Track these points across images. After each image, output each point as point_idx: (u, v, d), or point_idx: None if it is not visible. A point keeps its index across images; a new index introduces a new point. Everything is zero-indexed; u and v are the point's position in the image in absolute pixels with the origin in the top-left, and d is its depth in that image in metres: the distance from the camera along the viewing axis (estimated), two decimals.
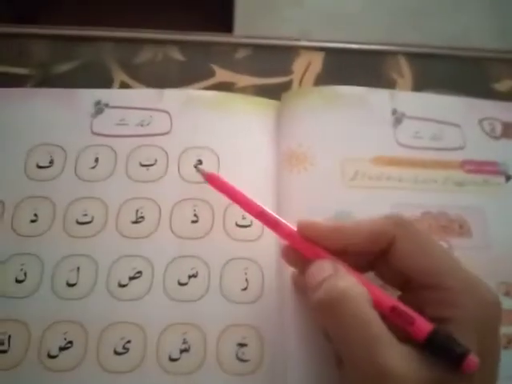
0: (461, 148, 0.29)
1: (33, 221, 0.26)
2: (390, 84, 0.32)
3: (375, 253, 0.21)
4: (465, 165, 0.29)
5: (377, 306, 0.19)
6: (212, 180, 0.25)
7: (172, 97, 0.29)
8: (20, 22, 0.70)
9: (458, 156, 0.29)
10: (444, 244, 0.26)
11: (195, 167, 0.27)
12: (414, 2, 1.18)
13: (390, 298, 0.19)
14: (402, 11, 1.17)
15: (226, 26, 0.71)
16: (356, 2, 1.17)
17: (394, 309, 0.19)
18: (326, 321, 0.19)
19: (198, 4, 0.70)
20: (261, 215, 0.23)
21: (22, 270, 0.25)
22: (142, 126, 0.28)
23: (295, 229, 0.22)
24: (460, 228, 0.27)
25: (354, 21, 1.14)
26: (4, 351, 0.23)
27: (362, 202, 0.26)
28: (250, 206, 0.23)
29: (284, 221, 0.22)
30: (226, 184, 0.25)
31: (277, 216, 0.23)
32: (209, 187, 0.26)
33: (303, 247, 0.21)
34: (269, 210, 0.23)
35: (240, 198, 0.24)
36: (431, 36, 1.09)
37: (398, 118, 0.29)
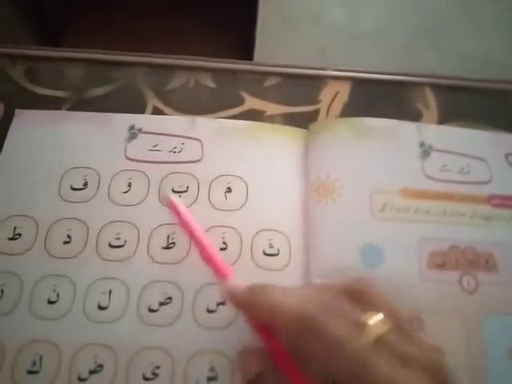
0: (488, 182, 0.29)
1: (66, 242, 0.26)
2: (415, 115, 0.32)
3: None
4: (492, 199, 0.29)
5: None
6: (170, 205, 0.26)
7: (204, 125, 0.30)
8: (50, 40, 0.72)
9: (484, 190, 0.29)
10: (471, 278, 0.26)
11: (162, 195, 0.27)
12: (433, 20, 1.19)
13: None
14: (422, 29, 1.17)
15: (247, 45, 0.72)
16: (376, 21, 1.18)
17: None
18: None
19: (218, 23, 0.71)
20: (203, 253, 0.24)
21: (54, 291, 0.25)
22: (174, 152, 0.29)
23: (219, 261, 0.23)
24: (486, 263, 0.27)
25: (371, 38, 1.15)
26: (36, 372, 0.23)
27: (390, 235, 0.26)
28: (197, 243, 0.24)
29: (222, 264, 0.23)
30: (179, 212, 0.25)
31: (216, 258, 0.23)
32: (237, 215, 0.26)
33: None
34: (212, 251, 0.24)
35: (192, 237, 0.25)
36: (451, 55, 1.10)
37: (425, 151, 0.29)
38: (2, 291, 0.25)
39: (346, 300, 0.20)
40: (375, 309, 0.19)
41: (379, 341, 0.18)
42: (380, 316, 0.19)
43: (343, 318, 0.19)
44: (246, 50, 0.70)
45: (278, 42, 1.01)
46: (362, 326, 0.18)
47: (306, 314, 0.19)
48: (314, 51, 1.09)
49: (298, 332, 0.19)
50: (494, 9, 1.23)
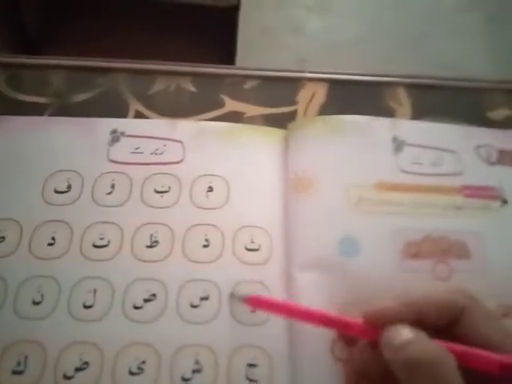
0: (460, 174, 0.30)
1: (50, 244, 0.27)
2: (389, 113, 0.34)
3: (440, 325, 0.21)
4: (464, 190, 0.30)
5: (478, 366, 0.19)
6: (253, 303, 0.24)
7: (185, 127, 0.31)
8: (29, 49, 0.73)
9: (457, 181, 0.30)
10: (444, 266, 0.27)
11: (231, 296, 0.25)
12: (412, 29, 1.22)
13: (494, 356, 0.19)
14: (401, 38, 1.21)
15: (227, 54, 0.73)
16: (356, 30, 1.21)
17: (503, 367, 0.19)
18: (411, 379, 0.19)
19: (198, 33, 0.73)
20: (326, 322, 0.22)
21: (39, 291, 0.25)
22: (156, 154, 0.30)
23: (361, 321, 0.22)
24: (459, 251, 0.28)
25: (351, 47, 1.17)
26: (20, 372, 0.23)
27: (366, 227, 0.27)
28: (310, 316, 0.23)
29: (350, 319, 0.22)
30: (273, 302, 0.24)
31: (342, 317, 0.22)
32: (218, 213, 0.27)
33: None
34: (330, 313, 0.22)
35: (295, 312, 0.23)
36: (429, 63, 1.13)
37: (398, 146, 0.31)
38: None
39: None
40: None
41: None
42: None
43: None
44: (226, 62, 0.72)
45: (258, 53, 1.03)
46: None
47: (462, 290, 0.21)
48: (294, 61, 1.11)
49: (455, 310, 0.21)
50: (471, 19, 1.27)
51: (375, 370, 0.22)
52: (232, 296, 0.25)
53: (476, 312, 0.21)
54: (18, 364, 0.24)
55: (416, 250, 0.27)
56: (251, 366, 0.24)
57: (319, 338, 0.24)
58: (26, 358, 0.24)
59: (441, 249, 0.28)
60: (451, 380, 0.18)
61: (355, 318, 0.22)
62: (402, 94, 0.35)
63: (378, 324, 0.21)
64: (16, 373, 0.23)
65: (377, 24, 1.24)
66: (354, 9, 1.27)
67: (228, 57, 0.72)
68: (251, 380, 0.24)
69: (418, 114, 0.34)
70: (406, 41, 1.20)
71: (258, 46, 1.09)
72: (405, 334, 0.20)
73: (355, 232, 0.27)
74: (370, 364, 0.22)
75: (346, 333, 0.23)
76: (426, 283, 0.26)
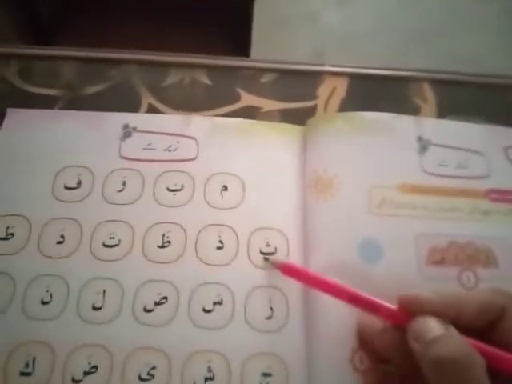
0: (486, 176, 0.29)
1: (59, 242, 0.26)
2: (414, 109, 0.32)
3: (477, 327, 0.20)
4: (490, 193, 0.28)
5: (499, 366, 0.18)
6: (287, 270, 0.24)
7: (199, 123, 0.30)
8: (41, 39, 0.72)
9: (483, 185, 0.28)
10: (471, 274, 0.26)
11: (265, 259, 0.25)
12: (429, 22, 1.19)
13: None
14: (418, 31, 1.17)
15: (242, 44, 0.71)
16: (373, 22, 1.18)
17: None
18: (439, 377, 0.18)
19: (212, 23, 0.71)
20: (354, 299, 0.22)
21: (47, 291, 0.25)
22: (169, 151, 0.29)
23: (393, 307, 0.21)
24: (486, 258, 0.26)
25: (367, 39, 1.15)
26: (28, 373, 0.23)
27: (388, 231, 0.26)
28: (340, 292, 0.22)
29: (380, 301, 0.21)
30: (305, 273, 0.24)
31: (371, 297, 0.22)
32: (233, 214, 0.26)
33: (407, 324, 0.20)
34: (360, 292, 0.22)
35: (325, 285, 0.23)
36: (443, 56, 1.10)
37: (423, 146, 0.29)
38: None
39: None
40: None
41: None
42: None
43: None
44: (241, 53, 0.70)
45: (273, 45, 1.01)
46: None
47: (505, 291, 0.20)
48: (310, 52, 1.09)
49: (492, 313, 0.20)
50: (490, 11, 1.23)
51: (394, 355, 0.21)
52: (266, 260, 0.25)
53: None
54: (27, 365, 0.23)
55: (441, 256, 0.26)
56: (266, 375, 0.23)
57: (338, 347, 0.23)
58: (34, 359, 0.23)
59: (467, 255, 0.26)
60: (479, 383, 0.18)
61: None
62: (427, 89, 0.33)
63: (410, 311, 0.20)
64: (24, 374, 0.23)
65: (394, 16, 1.20)
66: (372, 0, 1.24)
67: (242, 49, 0.70)
68: None
69: (444, 111, 0.32)
70: (422, 34, 1.17)
71: (274, 38, 1.07)
72: (436, 328, 0.19)
73: (377, 236, 0.26)
74: (389, 348, 0.21)
75: (372, 313, 0.22)
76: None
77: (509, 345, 0.19)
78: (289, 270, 0.24)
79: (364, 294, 0.22)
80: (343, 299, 0.22)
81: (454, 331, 0.19)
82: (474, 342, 0.19)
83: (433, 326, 0.19)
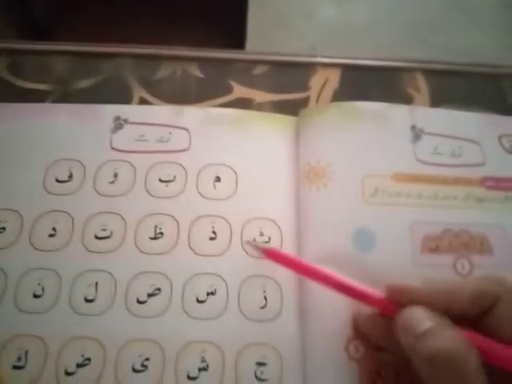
0: (481, 164, 0.29)
1: (51, 235, 0.26)
2: (407, 100, 0.32)
3: (469, 315, 0.20)
4: (485, 181, 0.28)
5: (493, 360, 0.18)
6: (272, 256, 0.24)
7: (191, 114, 0.29)
8: (38, 37, 0.72)
9: (478, 172, 0.28)
10: (465, 261, 0.26)
11: (250, 243, 0.25)
12: (426, 15, 1.19)
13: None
14: (414, 24, 1.18)
15: (238, 40, 0.71)
16: (368, 16, 1.18)
17: None
18: (432, 372, 0.18)
19: (208, 19, 0.71)
20: (341, 287, 0.22)
21: (39, 284, 0.25)
22: (161, 142, 0.28)
23: (381, 295, 0.21)
24: (481, 245, 0.26)
25: (363, 34, 1.15)
26: (21, 367, 0.23)
27: (382, 219, 0.26)
28: (327, 279, 0.22)
29: (369, 289, 0.21)
30: (291, 259, 0.24)
31: (359, 285, 0.22)
32: (226, 204, 0.25)
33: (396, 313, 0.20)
34: (348, 279, 0.22)
35: (314, 272, 0.23)
36: (440, 50, 1.10)
37: (417, 134, 0.29)
38: None
39: None
40: None
41: None
42: None
43: None
44: (236, 48, 0.70)
45: (269, 39, 1.01)
46: None
47: (500, 279, 0.20)
48: (305, 47, 1.09)
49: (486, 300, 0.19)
50: (486, 4, 1.23)
51: (386, 343, 0.21)
52: (249, 243, 0.25)
53: (510, 303, 0.19)
54: (19, 359, 0.23)
55: (435, 244, 0.26)
56: (260, 364, 0.23)
57: (333, 335, 0.23)
58: (26, 352, 0.23)
59: (461, 243, 0.26)
60: (474, 378, 0.17)
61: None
62: (420, 79, 0.33)
63: (399, 302, 0.20)
64: (16, 368, 0.23)
65: (390, 10, 1.20)
66: None
67: (238, 42, 0.70)
68: (260, 379, 0.22)
69: (437, 101, 0.32)
70: (419, 27, 1.17)
71: (269, 32, 1.07)
72: (426, 320, 0.19)
73: (371, 225, 0.26)
74: (381, 336, 0.21)
75: (360, 301, 0.21)
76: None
77: (502, 332, 0.19)
78: (274, 256, 0.24)
79: (352, 281, 0.22)
80: (329, 286, 0.22)
81: (446, 322, 0.19)
82: (467, 333, 0.19)
83: (422, 318, 0.19)
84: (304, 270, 0.23)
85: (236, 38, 0.69)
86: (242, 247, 0.26)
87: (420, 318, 0.19)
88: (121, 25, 0.69)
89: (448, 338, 0.18)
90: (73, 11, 0.75)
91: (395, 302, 0.20)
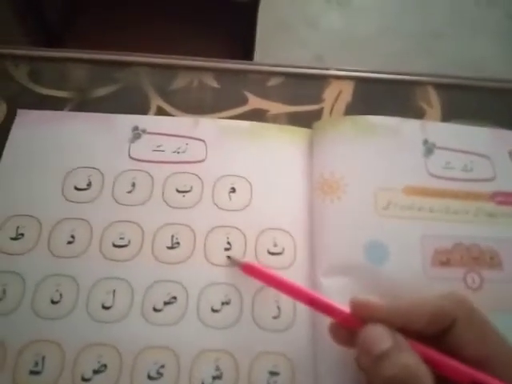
0: (491, 179, 0.29)
1: (69, 242, 0.26)
2: (419, 113, 0.32)
3: (428, 334, 0.20)
4: (496, 196, 0.29)
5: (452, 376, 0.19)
6: (248, 270, 0.25)
7: (207, 125, 0.30)
8: (51, 44, 0.72)
9: (488, 187, 0.29)
10: (476, 276, 0.26)
11: (228, 257, 0.26)
12: (431, 26, 1.20)
13: (466, 368, 0.19)
14: (419, 35, 1.18)
15: (245, 50, 0.72)
16: (373, 26, 1.19)
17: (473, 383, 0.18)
18: None
19: (216, 31, 0.72)
20: (311, 301, 0.22)
21: (57, 290, 0.25)
22: (178, 153, 0.29)
23: (346, 311, 0.21)
24: (491, 260, 0.27)
25: (371, 44, 1.15)
26: (38, 372, 0.23)
27: (394, 232, 0.26)
28: (298, 293, 0.23)
29: (336, 304, 0.22)
30: (265, 273, 0.24)
31: (327, 300, 0.22)
32: (241, 215, 0.26)
33: (359, 327, 0.20)
34: (318, 294, 0.23)
35: (286, 286, 0.23)
36: (448, 60, 1.10)
37: (429, 149, 0.29)
38: (4, 291, 0.25)
39: None
40: None
41: None
42: None
43: None
44: (245, 56, 0.71)
45: (275, 49, 1.02)
46: None
47: (461, 299, 0.20)
48: (312, 56, 1.10)
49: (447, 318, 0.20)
50: (491, 16, 1.24)
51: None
52: (229, 259, 0.26)
53: (469, 325, 0.20)
54: (36, 364, 0.23)
55: (446, 258, 0.26)
56: (273, 373, 0.23)
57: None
58: (43, 358, 0.23)
59: (472, 257, 0.26)
60: None
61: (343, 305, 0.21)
62: (432, 94, 0.33)
63: (361, 317, 0.20)
64: (33, 373, 0.23)
65: (395, 20, 1.21)
66: (372, 4, 1.25)
67: (246, 52, 0.71)
68: None
69: (449, 115, 0.32)
70: (424, 38, 1.18)
71: (276, 42, 1.08)
72: (384, 340, 0.19)
73: (383, 238, 0.26)
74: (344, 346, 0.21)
75: (328, 315, 0.22)
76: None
77: (463, 351, 0.19)
78: (250, 270, 0.25)
79: (320, 296, 0.22)
80: (302, 300, 0.23)
81: (402, 344, 0.19)
82: (423, 349, 0.19)
83: (380, 338, 0.19)
84: (277, 284, 0.24)
85: (244, 45, 0.70)
86: (256, 258, 0.26)
87: (378, 338, 0.19)
88: (129, 32, 0.70)
89: (404, 363, 0.18)
90: (81, 17, 0.76)
91: (358, 317, 0.21)
